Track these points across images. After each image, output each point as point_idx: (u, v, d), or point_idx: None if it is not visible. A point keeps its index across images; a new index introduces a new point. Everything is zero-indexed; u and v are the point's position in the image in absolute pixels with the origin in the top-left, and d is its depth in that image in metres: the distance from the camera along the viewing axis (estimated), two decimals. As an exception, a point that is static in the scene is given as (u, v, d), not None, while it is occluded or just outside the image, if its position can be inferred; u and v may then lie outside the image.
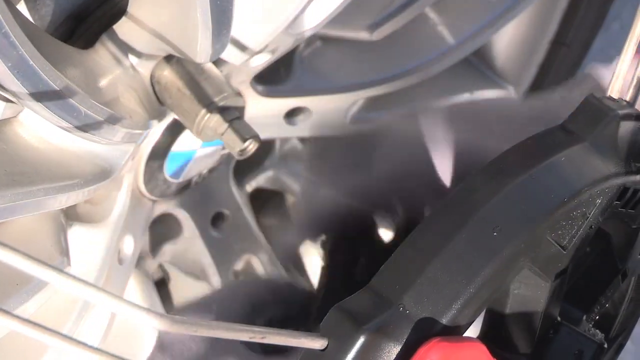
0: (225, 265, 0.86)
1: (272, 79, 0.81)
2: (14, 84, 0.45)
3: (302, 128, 0.87)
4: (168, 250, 0.87)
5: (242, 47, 0.66)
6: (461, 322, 0.47)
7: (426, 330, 0.45)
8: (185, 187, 0.79)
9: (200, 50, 0.56)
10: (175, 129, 0.72)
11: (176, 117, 0.66)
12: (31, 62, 0.45)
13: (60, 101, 0.49)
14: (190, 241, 0.85)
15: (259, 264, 0.88)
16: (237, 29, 0.64)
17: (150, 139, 0.70)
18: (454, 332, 0.46)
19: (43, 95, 0.47)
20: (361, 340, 0.45)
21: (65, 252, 0.63)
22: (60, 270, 0.35)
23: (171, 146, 0.72)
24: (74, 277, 0.35)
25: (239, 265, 0.88)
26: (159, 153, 0.72)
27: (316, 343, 0.45)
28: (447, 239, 0.48)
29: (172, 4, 0.56)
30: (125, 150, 0.60)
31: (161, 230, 0.83)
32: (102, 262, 0.70)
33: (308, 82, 0.85)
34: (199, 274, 0.86)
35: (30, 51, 0.45)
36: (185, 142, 0.73)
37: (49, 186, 0.53)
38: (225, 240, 0.84)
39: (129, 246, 0.74)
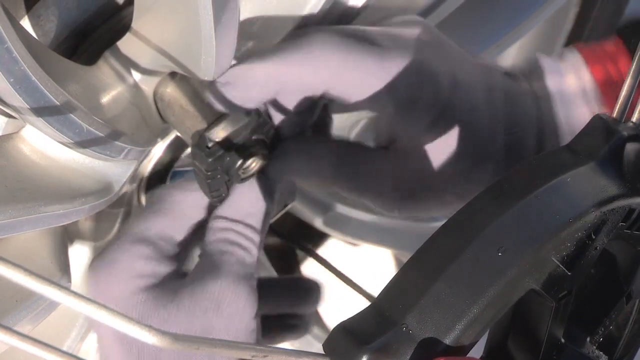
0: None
1: None
2: (16, 99, 0.45)
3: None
4: None
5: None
6: (465, 342, 0.46)
7: (429, 351, 0.45)
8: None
9: (204, 67, 0.56)
10: (177, 147, 0.72)
11: (179, 134, 0.66)
12: (33, 78, 0.45)
13: (61, 117, 0.48)
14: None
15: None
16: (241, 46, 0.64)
17: (153, 156, 0.70)
18: (457, 352, 0.46)
19: (44, 111, 0.47)
20: (364, 359, 0.45)
21: (66, 269, 0.62)
22: (61, 286, 0.34)
23: (173, 164, 0.72)
24: (76, 294, 0.35)
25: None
26: (161, 171, 0.72)
27: (319, 363, 0.44)
28: (451, 258, 0.47)
29: (177, 21, 0.56)
30: (127, 168, 0.59)
31: None
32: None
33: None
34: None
35: (32, 67, 0.45)
36: (188, 161, 0.73)
37: (50, 203, 0.53)
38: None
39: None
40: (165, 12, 0.57)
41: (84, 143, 0.51)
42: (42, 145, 0.54)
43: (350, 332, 0.46)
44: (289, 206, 0.73)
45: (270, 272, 0.90)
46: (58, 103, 0.47)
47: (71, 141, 0.51)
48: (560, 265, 0.50)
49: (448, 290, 0.46)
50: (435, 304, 0.46)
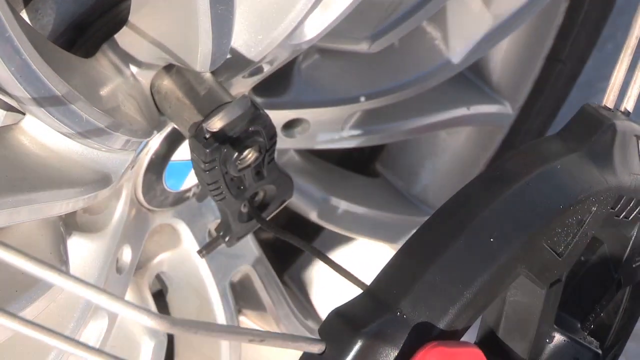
0: (223, 276, 0.86)
1: (270, 90, 0.82)
2: (17, 89, 0.46)
3: (300, 140, 0.87)
4: (166, 260, 0.88)
5: (241, 58, 0.67)
6: (458, 326, 0.47)
7: (423, 335, 0.46)
8: (184, 197, 0.79)
9: (200, 59, 0.57)
10: (174, 139, 0.73)
11: (176, 126, 0.67)
12: (34, 67, 0.46)
13: (61, 107, 0.49)
14: (187, 252, 0.85)
15: (256, 275, 0.89)
16: (237, 40, 0.65)
17: (150, 148, 0.71)
18: (450, 336, 0.47)
19: (45, 101, 0.48)
20: (359, 344, 0.46)
21: (64, 260, 0.63)
22: (62, 271, 0.35)
23: (170, 156, 0.73)
24: (76, 278, 0.36)
25: (236, 276, 0.88)
26: (158, 163, 0.73)
27: (314, 347, 0.45)
28: (444, 245, 0.48)
29: (173, 13, 0.57)
30: (124, 159, 0.60)
31: (159, 240, 0.84)
32: (101, 271, 0.71)
33: (306, 95, 0.86)
34: (196, 285, 0.87)
35: (33, 56, 0.46)
36: (184, 152, 0.74)
37: (49, 192, 0.54)
38: (223, 251, 0.84)
39: (127, 256, 0.75)
40: (162, 5, 0.58)
41: (84, 133, 0.52)
42: (41, 136, 0.55)
43: (345, 317, 0.47)
44: (287, 202, 0.74)
45: (266, 266, 0.91)
46: (59, 93, 0.48)
47: (71, 131, 0.52)
48: (551, 252, 0.51)
49: (441, 276, 0.47)
50: (429, 289, 0.47)
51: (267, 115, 0.65)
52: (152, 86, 0.64)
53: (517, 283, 0.51)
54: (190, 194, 0.79)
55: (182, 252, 0.86)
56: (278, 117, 0.82)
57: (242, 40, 0.66)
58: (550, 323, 0.55)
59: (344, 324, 0.46)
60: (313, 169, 0.99)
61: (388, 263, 0.49)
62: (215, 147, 0.62)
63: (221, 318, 0.87)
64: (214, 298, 0.87)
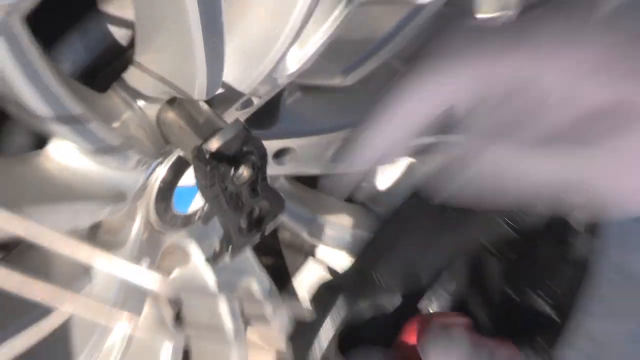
0: (229, 286, 0.88)
1: (261, 124, 0.86)
2: (41, 109, 0.50)
3: (289, 167, 0.90)
4: (178, 275, 0.88)
5: (232, 91, 0.70)
6: (423, 284, 0.50)
7: (395, 292, 0.49)
8: (191, 219, 0.81)
9: (197, 88, 0.61)
10: (179, 168, 0.75)
11: (181, 153, 0.70)
12: (55, 89, 0.49)
13: (79, 126, 0.53)
14: (197, 268, 0.87)
15: (257, 285, 0.91)
16: (228, 75, 0.68)
17: (158, 175, 0.74)
18: (416, 292, 0.50)
19: (65, 120, 0.51)
20: (340, 301, 0.48)
21: (87, 271, 0.66)
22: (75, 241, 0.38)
23: (177, 181, 0.75)
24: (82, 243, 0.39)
25: (241, 286, 0.90)
26: (166, 189, 0.75)
27: (305, 314, 0.49)
28: (412, 221, 0.52)
29: (173, 53, 0.61)
30: (136, 178, 0.64)
31: (172, 258, 0.86)
32: (120, 284, 0.73)
33: (293, 126, 0.88)
34: (206, 299, 0.88)
35: (54, 80, 0.50)
36: (190, 178, 0.76)
37: (70, 206, 0.57)
38: (228, 266, 0.86)
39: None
40: (163, 46, 0.62)
41: (99, 151, 0.56)
42: (63, 158, 0.58)
43: (331, 285, 0.50)
44: (279, 217, 0.76)
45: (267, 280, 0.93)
46: (77, 113, 0.52)
47: (89, 148, 0.55)
48: (510, 224, 0.54)
49: (410, 244, 0.50)
50: (400, 255, 0.50)
51: (258, 138, 0.68)
52: (157, 118, 0.67)
53: (479, 255, 0.54)
54: (196, 216, 0.82)
55: (192, 268, 0.87)
56: (269, 146, 0.85)
57: (233, 75, 0.70)
58: (509, 291, 0.58)
59: (329, 289, 0.49)
60: (301, 194, 1.02)
61: (368, 241, 0.52)
62: (214, 165, 0.65)
63: (229, 327, 0.88)
64: (223, 310, 0.88)
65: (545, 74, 0.44)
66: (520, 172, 0.45)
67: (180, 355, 0.85)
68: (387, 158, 0.51)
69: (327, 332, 0.49)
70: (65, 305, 0.43)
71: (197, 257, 0.85)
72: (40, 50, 0.50)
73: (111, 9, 0.67)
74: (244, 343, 0.86)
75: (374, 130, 0.49)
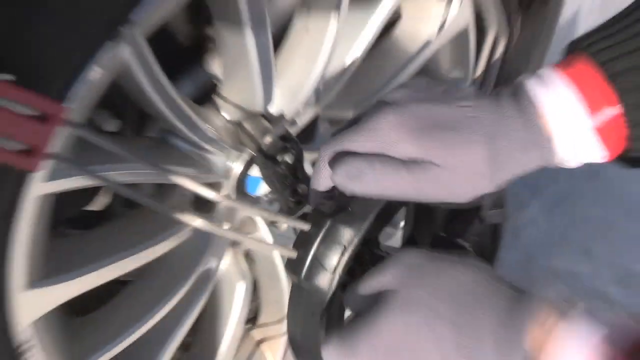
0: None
1: (305, 140, 1.15)
2: (161, 106, 0.85)
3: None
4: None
5: (281, 113, 1.05)
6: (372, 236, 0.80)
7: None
8: (259, 200, 1.14)
9: (257, 102, 0.96)
10: (250, 162, 1.07)
11: (250, 151, 1.04)
12: (171, 93, 0.85)
13: (188, 120, 0.89)
14: (262, 232, 1.18)
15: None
16: (278, 104, 1.03)
17: (237, 165, 1.03)
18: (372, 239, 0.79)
19: (178, 115, 0.87)
20: (328, 224, 0.77)
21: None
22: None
23: (248, 172, 1.05)
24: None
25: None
26: (242, 176, 1.06)
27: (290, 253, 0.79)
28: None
29: (243, 88, 0.97)
30: (224, 162, 0.99)
31: (245, 225, 1.17)
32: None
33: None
34: (269, 258, 1.20)
35: (170, 86, 0.85)
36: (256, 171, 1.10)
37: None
38: (285, 235, 1.17)
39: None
40: (237, 85, 0.97)
41: (205, 140, 0.91)
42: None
43: (321, 211, 0.78)
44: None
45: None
46: (187, 112, 0.88)
47: (192, 137, 0.90)
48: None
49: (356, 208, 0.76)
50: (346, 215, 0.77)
51: (296, 139, 1.01)
52: (235, 126, 1.02)
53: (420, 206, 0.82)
54: (261, 197, 1.15)
55: (259, 232, 1.18)
56: (309, 157, 1.07)
57: (282, 103, 1.05)
58: (440, 232, 0.86)
59: (320, 212, 0.77)
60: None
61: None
62: (268, 155, 0.99)
63: (284, 278, 1.21)
64: (279, 265, 1.19)
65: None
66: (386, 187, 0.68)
67: (250, 290, 1.18)
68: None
69: (318, 242, 0.79)
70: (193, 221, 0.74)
71: (262, 224, 1.17)
72: (157, 63, 0.82)
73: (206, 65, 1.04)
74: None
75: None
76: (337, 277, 0.80)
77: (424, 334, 0.62)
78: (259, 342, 1.28)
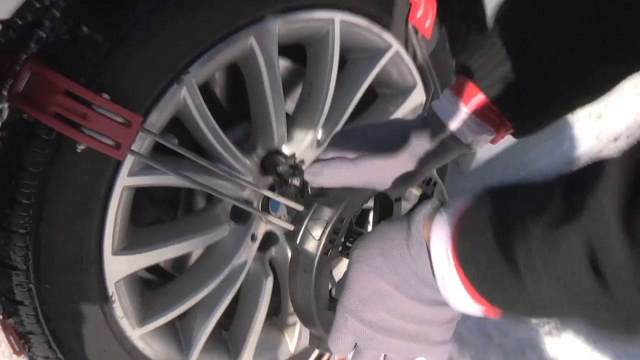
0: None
1: None
2: (209, 138, 1.20)
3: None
4: (273, 250, 1.49)
5: (292, 154, 1.39)
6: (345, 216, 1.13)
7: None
8: (279, 217, 1.46)
9: (275, 141, 1.31)
10: (272, 187, 1.42)
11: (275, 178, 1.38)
12: (216, 129, 1.20)
13: (228, 151, 1.23)
14: (283, 245, 1.50)
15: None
16: (295, 140, 1.37)
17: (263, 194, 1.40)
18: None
19: (222, 146, 1.21)
20: (315, 205, 1.10)
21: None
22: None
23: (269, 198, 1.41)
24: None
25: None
26: (266, 199, 1.40)
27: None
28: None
29: (263, 132, 1.31)
30: (253, 195, 1.32)
31: (268, 239, 1.49)
32: (245, 241, 1.39)
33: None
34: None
35: (215, 125, 1.21)
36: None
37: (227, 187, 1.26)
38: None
39: (255, 236, 1.42)
40: (261, 130, 1.32)
41: (234, 171, 1.25)
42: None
43: (312, 195, 1.11)
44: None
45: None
46: (226, 145, 1.23)
47: (236, 165, 1.25)
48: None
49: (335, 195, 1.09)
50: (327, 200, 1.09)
51: (301, 168, 1.34)
52: (263, 161, 1.36)
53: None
54: (282, 216, 1.47)
55: (281, 245, 1.49)
56: None
57: (293, 146, 1.39)
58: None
59: (310, 197, 1.11)
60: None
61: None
62: (282, 179, 1.32)
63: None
64: None
65: None
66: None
67: (271, 287, 1.47)
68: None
69: (307, 218, 1.09)
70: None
71: (282, 239, 1.49)
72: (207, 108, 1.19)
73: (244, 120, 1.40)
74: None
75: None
76: (322, 243, 1.10)
77: (371, 275, 0.73)
78: (281, 329, 1.56)
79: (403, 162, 0.88)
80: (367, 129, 0.93)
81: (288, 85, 1.53)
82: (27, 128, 1.00)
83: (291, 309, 1.53)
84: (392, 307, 0.72)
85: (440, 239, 0.66)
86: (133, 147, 1.06)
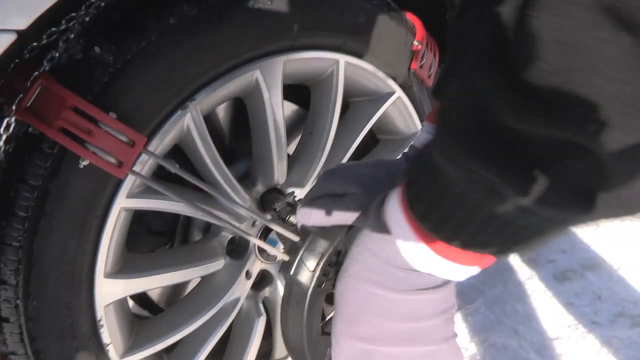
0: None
1: None
2: (209, 165, 1.22)
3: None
4: (267, 290, 1.49)
5: (291, 191, 1.40)
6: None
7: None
8: (274, 257, 1.46)
9: (276, 178, 1.33)
10: (268, 230, 1.43)
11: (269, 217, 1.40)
12: (216, 157, 1.23)
13: (227, 182, 1.25)
14: (276, 286, 1.49)
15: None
16: (295, 176, 1.39)
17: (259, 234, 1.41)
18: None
19: (223, 178, 1.24)
20: (311, 237, 1.11)
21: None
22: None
23: (266, 237, 1.42)
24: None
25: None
26: (263, 239, 1.43)
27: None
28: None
29: (265, 170, 1.33)
30: (249, 215, 1.34)
31: (263, 278, 1.50)
32: (239, 277, 1.39)
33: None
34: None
35: (216, 153, 1.23)
36: (274, 235, 1.44)
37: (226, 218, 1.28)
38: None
39: (249, 274, 1.43)
40: (262, 167, 1.34)
41: (240, 199, 1.27)
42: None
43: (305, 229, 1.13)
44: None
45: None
46: (225, 176, 1.24)
47: (235, 198, 1.26)
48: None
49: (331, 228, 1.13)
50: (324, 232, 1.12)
51: (297, 202, 1.36)
52: (262, 196, 1.38)
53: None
54: (278, 255, 1.47)
55: (274, 285, 1.49)
56: None
57: (294, 182, 1.41)
58: None
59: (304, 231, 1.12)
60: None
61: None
62: (280, 216, 1.33)
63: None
64: None
65: None
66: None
67: (263, 326, 1.45)
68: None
69: (303, 249, 1.11)
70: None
71: (275, 278, 1.49)
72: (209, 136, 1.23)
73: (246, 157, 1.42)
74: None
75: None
76: (315, 275, 1.10)
77: (351, 285, 0.72)
78: (273, 375, 1.54)
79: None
80: (353, 167, 0.92)
81: (290, 128, 1.56)
82: (31, 141, 1.02)
83: (283, 353, 1.52)
84: (381, 309, 0.70)
85: (392, 207, 0.65)
86: (134, 169, 1.08)
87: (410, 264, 0.65)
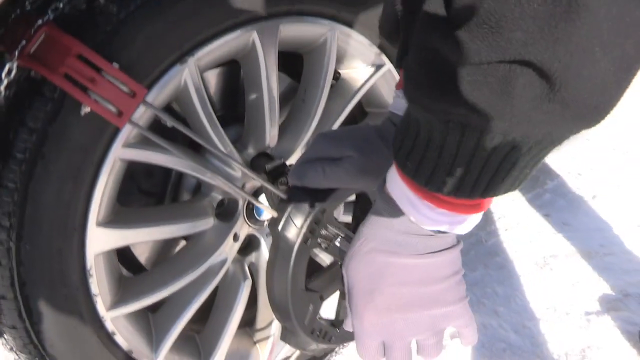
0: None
1: None
2: (205, 125, 1.27)
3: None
4: (254, 256, 1.50)
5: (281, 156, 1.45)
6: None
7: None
8: (262, 222, 1.49)
9: (267, 141, 1.37)
10: (259, 193, 1.46)
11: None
12: (213, 115, 1.26)
13: (221, 139, 1.29)
14: (262, 252, 1.51)
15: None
16: (285, 142, 1.43)
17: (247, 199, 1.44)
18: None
19: (215, 132, 1.27)
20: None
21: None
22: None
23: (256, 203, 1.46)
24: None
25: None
26: (251, 206, 1.46)
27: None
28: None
29: (257, 132, 1.37)
30: (241, 177, 1.37)
31: (250, 243, 1.52)
32: (228, 238, 1.42)
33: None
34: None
35: (212, 111, 1.27)
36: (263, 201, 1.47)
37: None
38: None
39: (238, 237, 1.46)
40: (254, 131, 1.38)
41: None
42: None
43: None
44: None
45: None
46: (219, 134, 1.28)
47: (222, 150, 1.30)
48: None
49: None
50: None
51: (288, 166, 1.40)
52: (253, 158, 1.42)
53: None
54: (265, 221, 1.50)
55: (261, 251, 1.50)
56: None
57: (285, 147, 1.45)
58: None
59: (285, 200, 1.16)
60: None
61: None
62: (270, 179, 1.37)
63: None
64: None
65: None
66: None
67: (248, 291, 1.49)
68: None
69: (291, 207, 1.15)
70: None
71: (264, 244, 1.51)
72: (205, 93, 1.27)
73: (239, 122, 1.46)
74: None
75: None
76: (302, 232, 1.15)
77: (367, 260, 0.75)
78: (255, 342, 1.57)
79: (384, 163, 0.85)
80: (348, 131, 0.96)
81: (282, 96, 1.60)
82: (33, 85, 1.06)
83: (266, 322, 1.56)
84: (399, 277, 0.73)
85: (391, 179, 0.68)
86: (132, 119, 1.12)
87: (421, 226, 0.68)
